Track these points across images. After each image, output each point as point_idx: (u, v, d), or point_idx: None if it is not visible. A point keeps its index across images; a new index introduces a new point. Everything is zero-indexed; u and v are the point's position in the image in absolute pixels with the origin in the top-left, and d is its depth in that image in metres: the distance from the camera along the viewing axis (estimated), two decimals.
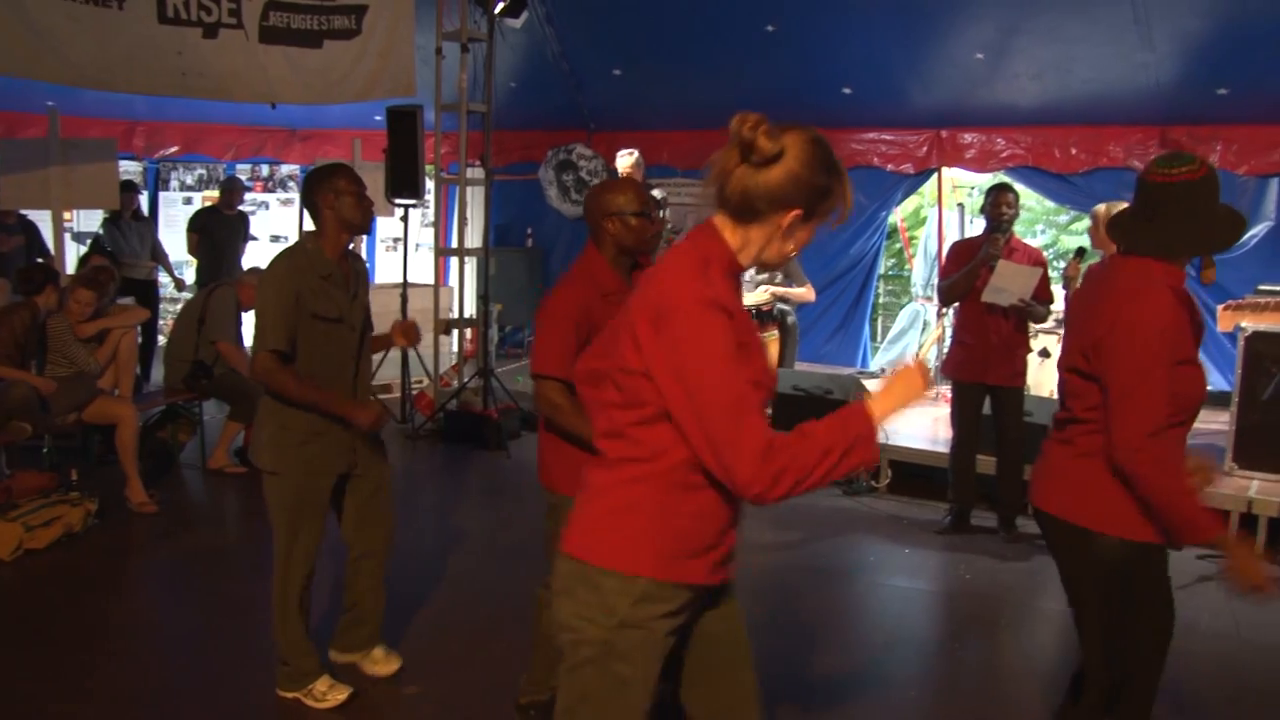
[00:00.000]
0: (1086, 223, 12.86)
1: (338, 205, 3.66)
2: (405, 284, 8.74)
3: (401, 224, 8.85)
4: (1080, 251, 6.00)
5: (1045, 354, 7.34)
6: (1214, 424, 7.37)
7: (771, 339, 7.83)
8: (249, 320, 7.33)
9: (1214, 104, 7.93)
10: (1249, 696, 4.26)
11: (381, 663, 4.11)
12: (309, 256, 3.67)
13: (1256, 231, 8.16)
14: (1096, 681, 3.04)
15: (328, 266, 3.66)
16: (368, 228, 3.83)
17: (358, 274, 3.84)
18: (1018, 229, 6.11)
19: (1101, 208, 5.72)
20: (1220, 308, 6.75)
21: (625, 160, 8.21)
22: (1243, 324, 6.31)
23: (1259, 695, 4.28)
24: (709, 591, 2.25)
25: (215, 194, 10.54)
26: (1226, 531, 2.66)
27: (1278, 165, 8.06)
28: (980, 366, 5.93)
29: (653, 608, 2.10)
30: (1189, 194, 2.74)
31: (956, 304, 6.18)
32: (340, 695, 3.85)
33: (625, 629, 2.09)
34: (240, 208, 9.80)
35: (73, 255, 10.11)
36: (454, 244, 9.34)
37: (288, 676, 3.86)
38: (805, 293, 8.09)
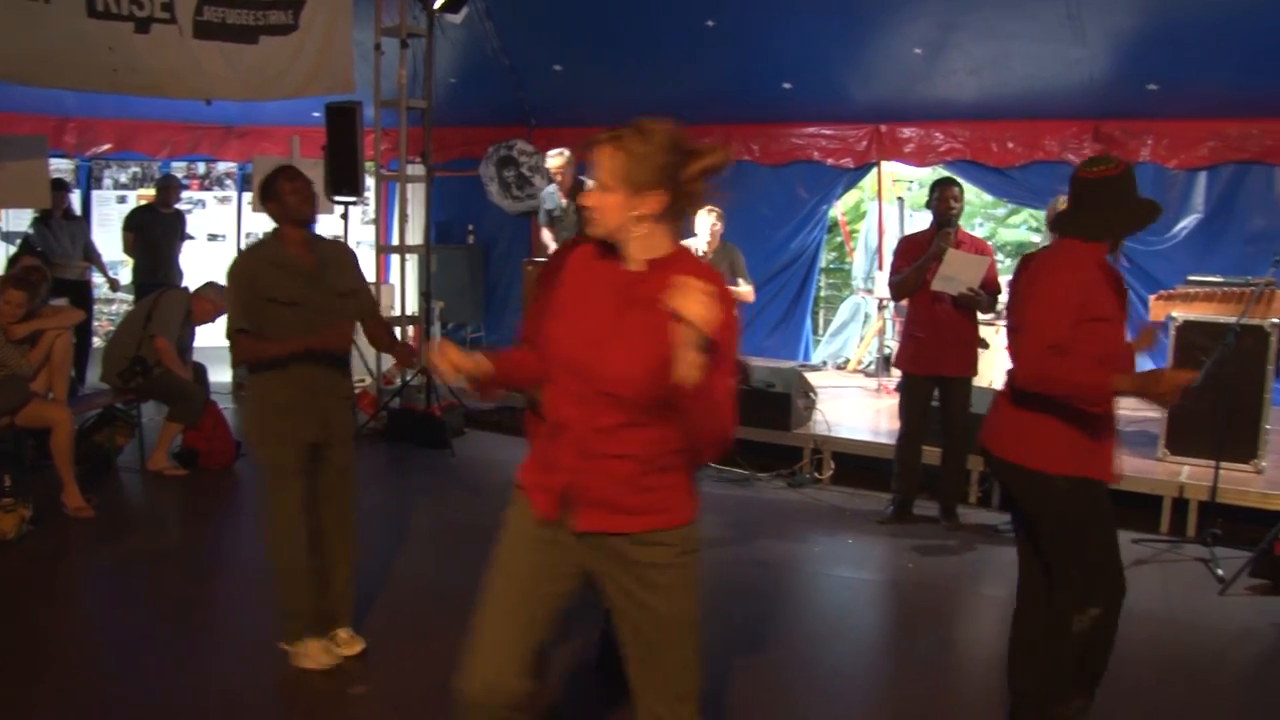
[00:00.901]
0: (1024, 215, 13.05)
1: (280, 205, 3.96)
2: None
3: (341, 221, 8.77)
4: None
5: (984, 344, 7.42)
6: (1147, 412, 7.53)
7: None
8: (200, 333, 7.28)
9: (1145, 99, 8.10)
10: (1178, 675, 4.37)
11: (344, 644, 4.20)
12: (266, 248, 4.03)
13: (1186, 224, 8.35)
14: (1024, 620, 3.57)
15: (283, 256, 3.96)
16: (312, 217, 4.03)
17: (329, 260, 4.07)
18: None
19: (1060, 200, 5.75)
20: (1152, 298, 6.89)
21: (555, 160, 8.21)
22: (1174, 314, 6.45)
23: (1188, 673, 4.40)
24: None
25: (151, 192, 10.38)
26: (1119, 377, 3.11)
27: (1206, 159, 8.24)
28: (934, 359, 5.99)
29: (513, 509, 2.63)
30: (1108, 187, 3.31)
31: (907, 299, 6.22)
32: (325, 659, 4.08)
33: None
34: (177, 206, 9.66)
35: (1, 255, 9.90)
36: (395, 241, 9.27)
37: (285, 629, 4.11)
38: (746, 292, 8.13)
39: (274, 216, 4.01)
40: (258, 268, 3.93)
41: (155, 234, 9.20)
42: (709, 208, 8.18)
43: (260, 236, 4.09)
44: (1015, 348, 3.39)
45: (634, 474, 2.43)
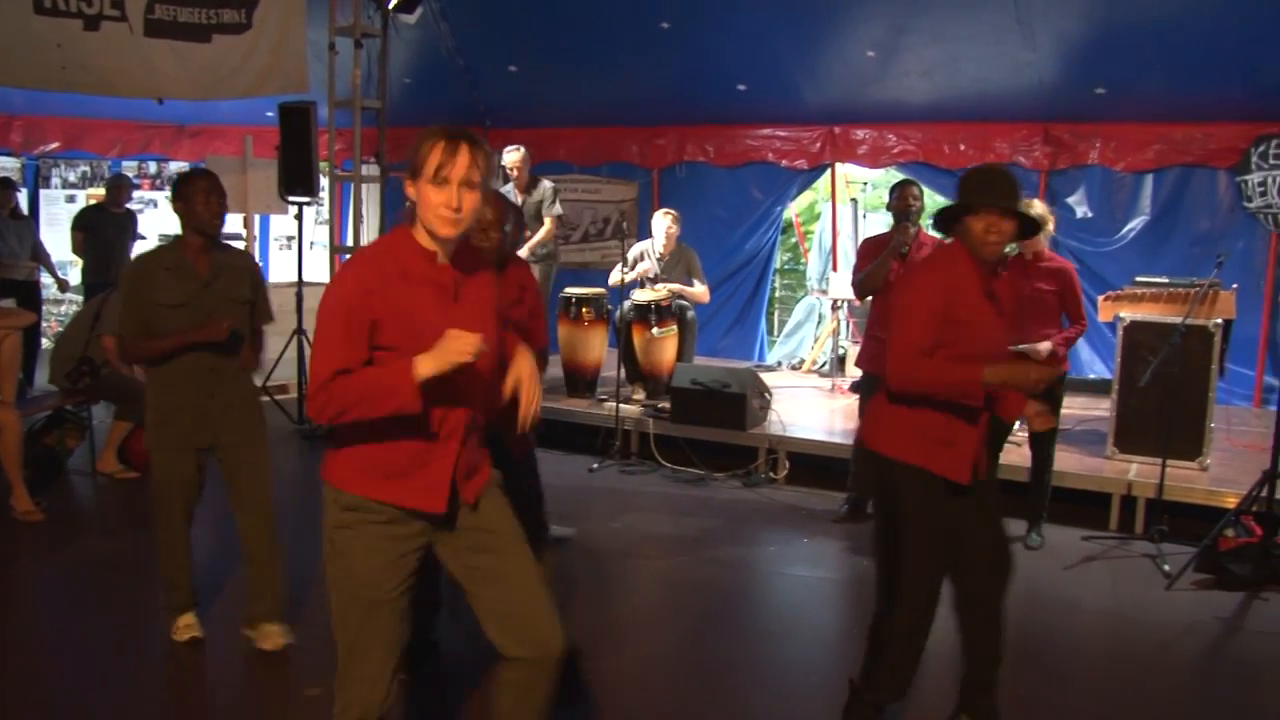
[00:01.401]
0: None
1: (190, 210, 4.03)
2: (301, 282, 8.60)
3: (296, 222, 8.71)
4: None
5: None
6: (1096, 410, 7.66)
7: (670, 334, 7.90)
8: None
9: (1093, 103, 8.23)
10: (1125, 667, 4.46)
11: (268, 637, 4.24)
12: (160, 252, 4.17)
13: (1134, 226, 8.51)
14: (882, 589, 3.55)
15: (176, 260, 4.06)
16: (213, 229, 4.08)
17: (225, 268, 4.14)
18: None
19: (1035, 211, 5.81)
20: (1100, 298, 6.99)
21: (513, 155, 8.19)
22: (1121, 314, 6.56)
23: (1135, 665, 4.48)
24: (428, 516, 2.64)
25: (101, 192, 10.24)
26: (987, 368, 3.15)
27: (1153, 162, 8.39)
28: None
29: (358, 515, 2.59)
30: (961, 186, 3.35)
31: (869, 298, 6.26)
32: (190, 632, 4.28)
33: (339, 529, 2.62)
34: (128, 206, 9.54)
35: None
36: (350, 241, 9.22)
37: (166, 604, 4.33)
38: (701, 293, 8.19)
39: (180, 217, 4.07)
40: (152, 271, 4.05)
41: (106, 234, 9.09)
42: (664, 210, 8.23)
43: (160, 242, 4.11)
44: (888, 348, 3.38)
45: (481, 436, 2.70)
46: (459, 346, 2.43)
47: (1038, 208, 5.76)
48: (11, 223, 8.90)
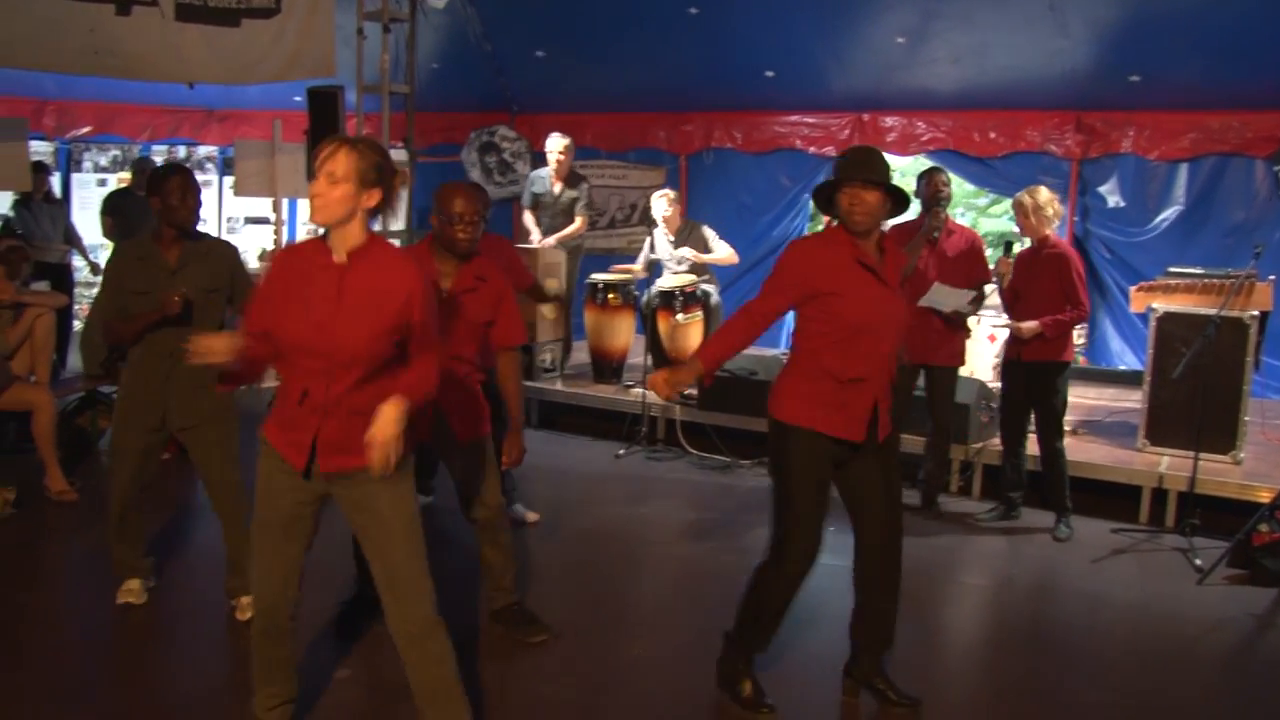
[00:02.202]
0: (1005, 205, 13.09)
1: (164, 204, 4.24)
2: None
3: None
4: (1008, 246, 6.06)
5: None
6: (1127, 402, 7.60)
7: (695, 320, 7.89)
8: None
9: (1126, 90, 8.14)
10: (1154, 663, 4.42)
11: (245, 609, 4.33)
12: (139, 244, 4.39)
13: (1167, 215, 8.41)
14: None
15: (147, 250, 4.30)
16: (188, 224, 4.30)
17: (196, 256, 4.33)
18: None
19: (1025, 197, 5.80)
20: (1133, 289, 6.94)
21: (561, 142, 8.21)
22: (1154, 305, 6.50)
23: (1164, 661, 4.44)
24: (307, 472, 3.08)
25: (129, 175, 10.30)
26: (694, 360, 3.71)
27: (1187, 151, 8.29)
28: (921, 348, 6.00)
29: (265, 460, 3.14)
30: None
31: None
32: (129, 597, 4.53)
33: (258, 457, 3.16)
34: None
35: None
36: (377, 226, 9.21)
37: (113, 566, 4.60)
38: (727, 255, 8.15)
39: (154, 209, 4.30)
40: (125, 262, 4.34)
41: (134, 217, 9.13)
42: (659, 193, 8.21)
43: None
44: None
45: (367, 423, 2.91)
46: None
47: (1043, 195, 5.74)
48: (45, 206, 8.98)
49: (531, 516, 5.91)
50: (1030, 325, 5.65)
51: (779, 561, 3.71)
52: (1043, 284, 5.70)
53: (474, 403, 4.18)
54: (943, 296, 5.88)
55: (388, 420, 2.87)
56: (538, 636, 4.34)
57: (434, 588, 3.18)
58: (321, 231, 3.03)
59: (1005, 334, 6.95)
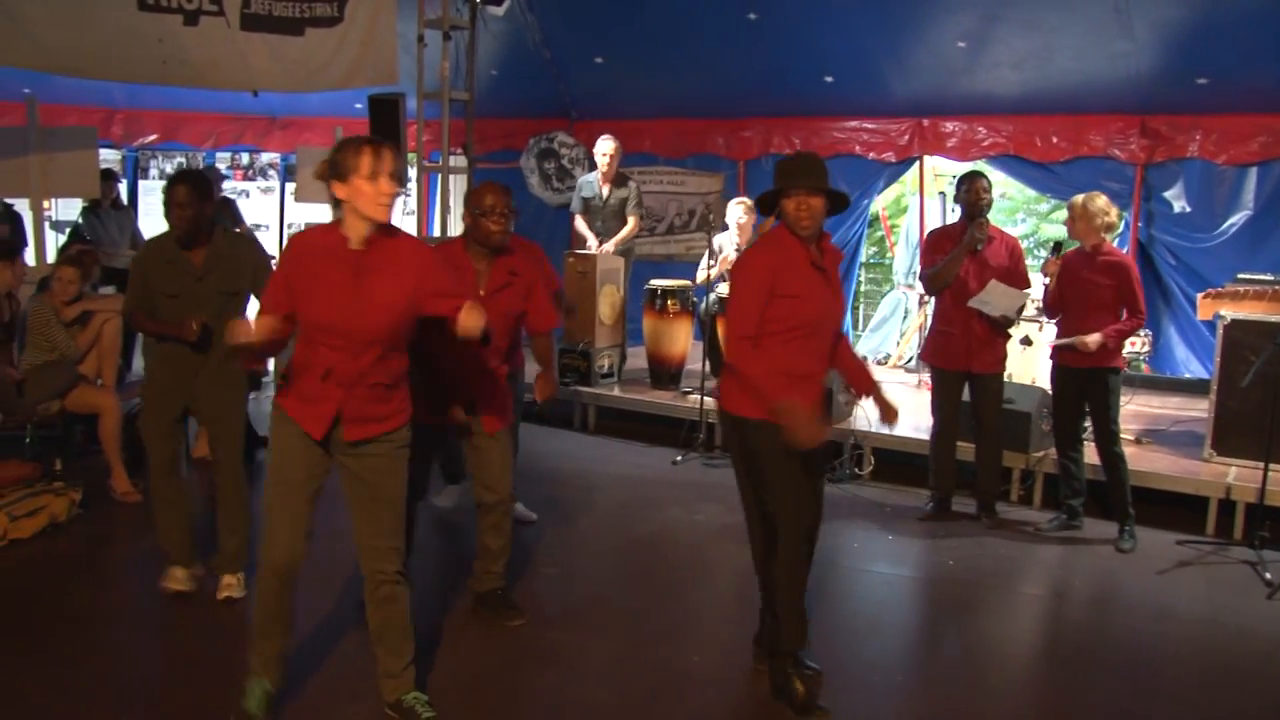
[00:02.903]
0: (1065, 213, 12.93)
1: (168, 217, 4.47)
2: None
3: None
4: (1057, 246, 6.01)
5: (1027, 342, 7.38)
6: (1192, 411, 7.46)
7: None
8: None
9: (1193, 94, 7.99)
10: (1221, 680, 4.32)
11: (223, 588, 4.72)
12: (160, 246, 4.58)
13: (1235, 221, 8.23)
14: (755, 536, 4.03)
15: (174, 255, 4.50)
16: (187, 237, 4.47)
17: (220, 256, 4.54)
18: (999, 217, 6.12)
19: (1079, 199, 5.75)
20: (1200, 296, 6.82)
21: (609, 144, 8.27)
22: (1222, 312, 6.38)
23: (1232, 677, 4.34)
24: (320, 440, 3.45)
25: None
26: (784, 401, 3.53)
27: (1256, 155, 8.11)
28: (963, 355, 5.96)
29: (282, 426, 3.48)
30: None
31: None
32: (176, 585, 4.73)
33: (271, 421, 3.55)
34: (223, 194, 9.74)
35: (52, 244, 10.03)
36: (436, 233, 9.31)
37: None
38: None
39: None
40: (153, 264, 4.54)
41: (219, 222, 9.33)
42: (738, 200, 8.25)
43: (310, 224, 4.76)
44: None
45: (382, 395, 3.42)
46: None
47: (1096, 202, 5.65)
48: (113, 212, 9.17)
49: (531, 516, 5.99)
50: (1095, 338, 5.57)
51: (786, 540, 3.80)
52: (1095, 291, 5.62)
53: (501, 394, 4.41)
54: (996, 297, 5.79)
55: (474, 323, 3.31)
56: (515, 620, 4.53)
57: (404, 551, 3.63)
58: (330, 218, 3.40)
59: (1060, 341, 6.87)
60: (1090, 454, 6.01)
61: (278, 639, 3.64)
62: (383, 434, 3.49)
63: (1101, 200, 5.71)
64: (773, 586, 3.92)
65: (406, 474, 3.58)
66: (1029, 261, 6.37)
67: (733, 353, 3.75)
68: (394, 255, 3.37)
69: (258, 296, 4.52)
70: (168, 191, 4.47)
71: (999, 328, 5.89)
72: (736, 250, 8.16)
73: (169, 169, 12.05)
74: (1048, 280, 5.86)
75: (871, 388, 4.05)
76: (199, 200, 4.47)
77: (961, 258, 5.84)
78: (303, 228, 4.75)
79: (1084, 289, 5.67)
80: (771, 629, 3.95)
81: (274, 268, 3.71)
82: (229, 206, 9.74)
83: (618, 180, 8.43)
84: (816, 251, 3.79)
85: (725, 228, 8.37)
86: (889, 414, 3.99)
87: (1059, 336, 5.93)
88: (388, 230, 3.39)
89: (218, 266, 4.53)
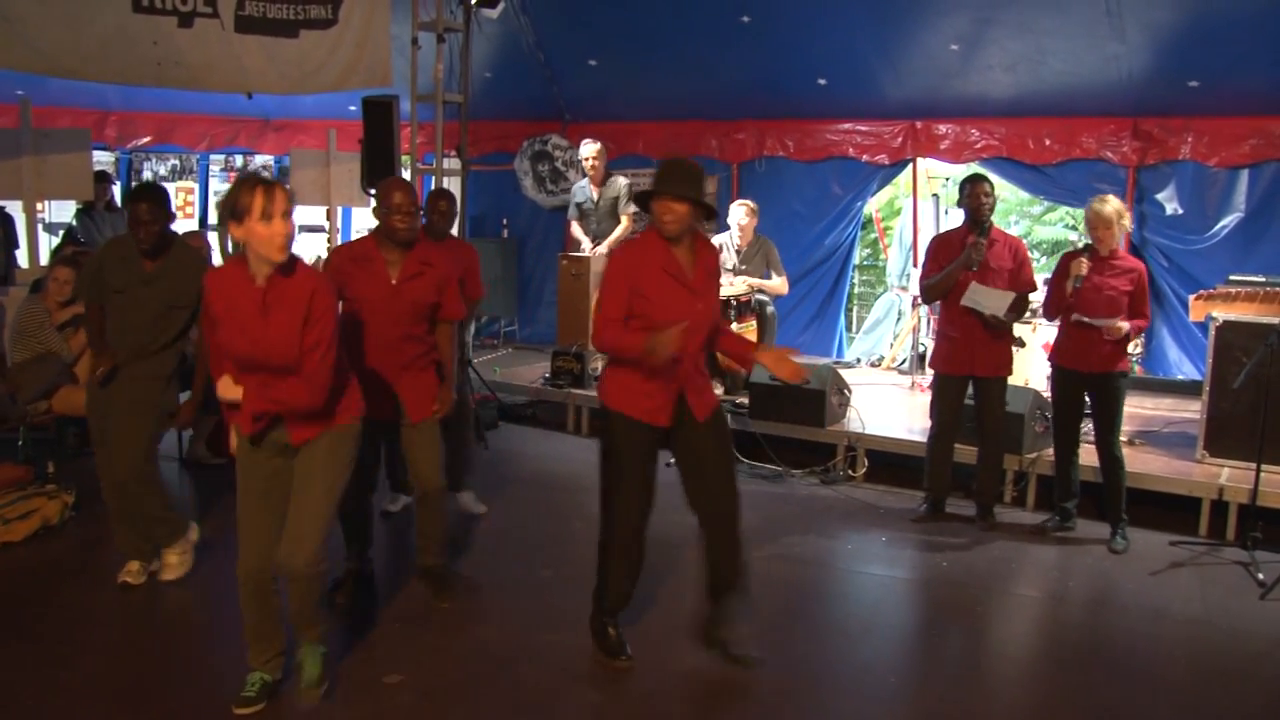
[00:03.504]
0: (1060, 213, 12.96)
1: (129, 224, 4.64)
2: None
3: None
4: (1088, 247, 5.90)
5: (1020, 343, 7.40)
6: (1185, 412, 7.49)
7: (749, 329, 7.88)
8: None
9: (1185, 96, 8.02)
10: (1215, 680, 4.33)
11: (123, 573, 4.85)
12: (122, 243, 4.72)
13: (1227, 223, 8.25)
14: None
15: (129, 253, 4.64)
16: (148, 245, 4.60)
17: (171, 267, 4.65)
18: (993, 219, 6.10)
19: (1106, 207, 5.64)
20: (1192, 298, 6.83)
21: (591, 148, 8.32)
22: (1214, 314, 6.39)
23: (1224, 677, 4.35)
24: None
25: (189, 184, 10.50)
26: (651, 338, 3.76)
27: (1247, 157, 8.13)
28: (967, 359, 5.95)
29: (237, 439, 3.70)
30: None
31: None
32: (128, 577, 4.81)
33: None
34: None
35: (45, 246, 10.03)
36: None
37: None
38: (779, 285, 8.20)
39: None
40: (110, 257, 4.70)
41: None
42: (740, 201, 8.28)
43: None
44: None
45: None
46: None
47: (1114, 202, 5.65)
48: (106, 215, 9.17)
49: (478, 509, 6.09)
50: (1122, 325, 5.56)
51: (608, 528, 4.15)
52: (1109, 293, 5.62)
53: (424, 384, 4.63)
54: (982, 296, 5.79)
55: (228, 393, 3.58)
56: (443, 603, 4.73)
57: (326, 538, 3.67)
58: (232, 251, 3.59)
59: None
60: (1085, 456, 6.02)
61: (272, 640, 3.77)
62: (322, 434, 3.67)
63: (1115, 201, 5.71)
64: (601, 556, 4.23)
65: (342, 468, 3.74)
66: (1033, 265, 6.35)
67: (598, 336, 3.97)
68: (292, 292, 3.49)
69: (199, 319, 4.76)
70: (130, 207, 4.61)
71: (993, 328, 5.88)
72: (737, 251, 8.19)
73: (163, 171, 12.05)
74: (1075, 283, 5.76)
75: (751, 358, 4.24)
76: (160, 216, 4.61)
77: (957, 274, 5.84)
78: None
79: (1096, 292, 5.66)
80: (596, 586, 4.28)
81: None
82: None
83: (606, 180, 8.47)
84: (687, 252, 4.01)
85: (727, 227, 8.40)
86: (784, 371, 4.09)
87: (1058, 339, 5.93)
88: (287, 267, 3.49)
89: (167, 276, 4.65)
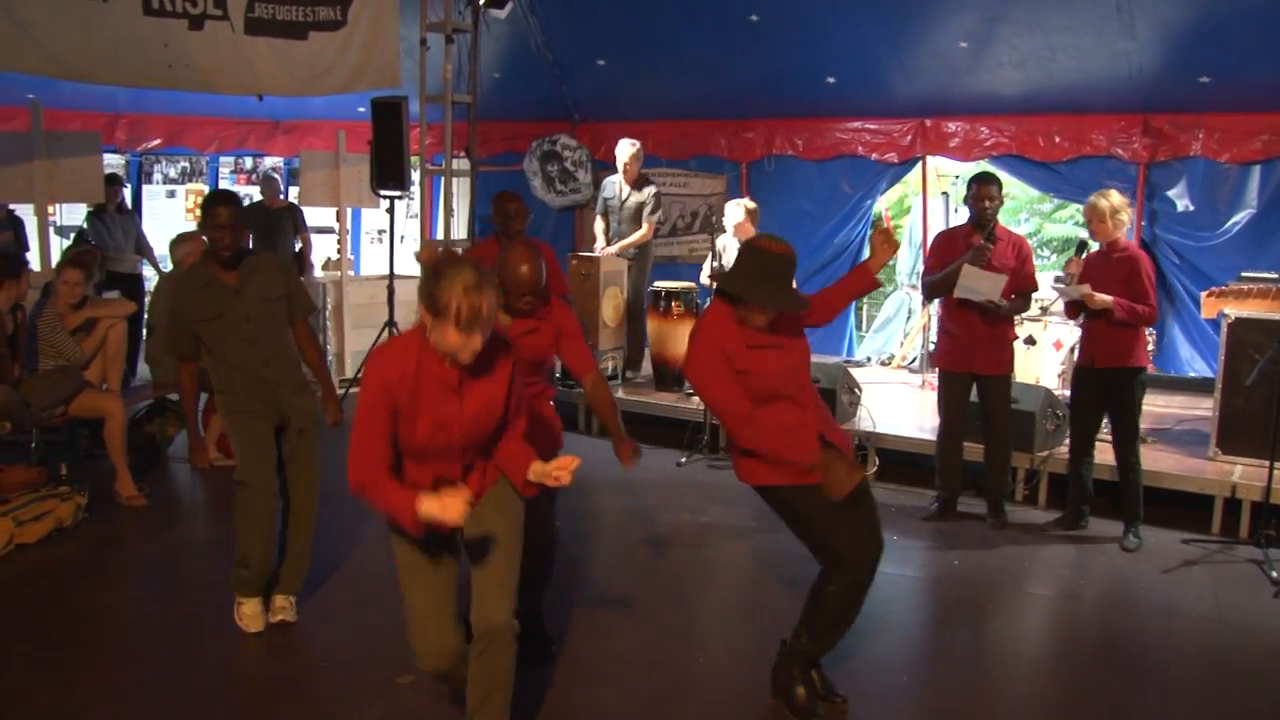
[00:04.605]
0: (1070, 210, 12.92)
1: (206, 234, 4.41)
2: (391, 275, 8.74)
3: (387, 215, 8.84)
4: (1082, 245, 5.97)
5: (1031, 341, 7.38)
6: (1197, 410, 7.46)
7: None
8: None
9: (1196, 92, 7.98)
10: (1228, 678, 4.32)
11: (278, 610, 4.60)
12: (191, 273, 4.49)
13: (1238, 219, 8.22)
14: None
15: (206, 279, 4.38)
16: (226, 254, 4.36)
17: (249, 268, 4.43)
18: (1002, 217, 6.10)
19: (1101, 200, 5.65)
20: (1203, 294, 6.80)
21: (629, 150, 8.30)
22: (1226, 310, 6.37)
23: (1238, 676, 4.33)
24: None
25: (199, 187, 10.54)
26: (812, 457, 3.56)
27: (1259, 153, 8.09)
28: (968, 356, 5.95)
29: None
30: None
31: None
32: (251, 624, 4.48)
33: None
34: (289, 200, 9.85)
35: (56, 249, 10.06)
36: (439, 235, 9.30)
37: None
38: None
39: (201, 230, 4.52)
40: (188, 295, 4.40)
41: (266, 228, 9.47)
42: (735, 201, 8.26)
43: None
44: None
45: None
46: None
47: (1114, 198, 5.64)
48: (117, 217, 9.19)
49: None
50: (1104, 298, 5.50)
51: (849, 572, 3.78)
52: (1112, 287, 5.60)
53: (544, 425, 4.27)
54: (973, 282, 5.76)
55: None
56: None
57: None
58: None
59: (1073, 339, 6.86)
60: (1099, 454, 6.00)
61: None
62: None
63: (1117, 195, 5.69)
64: (818, 604, 3.84)
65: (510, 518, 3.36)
66: (1035, 262, 6.34)
67: (733, 430, 3.67)
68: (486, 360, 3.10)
69: (294, 305, 4.59)
70: (208, 212, 4.34)
71: (992, 314, 5.85)
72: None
73: (172, 173, 12.08)
74: (1066, 280, 5.79)
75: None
76: (238, 220, 4.41)
77: (959, 272, 5.83)
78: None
79: (1100, 287, 5.64)
80: (796, 630, 3.91)
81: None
82: (294, 212, 9.77)
83: (638, 183, 8.48)
84: (764, 326, 3.60)
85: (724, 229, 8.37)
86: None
87: (1083, 338, 5.90)
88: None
89: (250, 278, 4.43)
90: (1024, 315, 6.78)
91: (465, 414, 3.11)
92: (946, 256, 5.96)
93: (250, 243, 9.49)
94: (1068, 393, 6.41)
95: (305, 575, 4.65)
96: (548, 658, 4.23)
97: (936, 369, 6.38)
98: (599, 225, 8.69)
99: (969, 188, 6.02)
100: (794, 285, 3.63)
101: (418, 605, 3.27)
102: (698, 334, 3.67)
